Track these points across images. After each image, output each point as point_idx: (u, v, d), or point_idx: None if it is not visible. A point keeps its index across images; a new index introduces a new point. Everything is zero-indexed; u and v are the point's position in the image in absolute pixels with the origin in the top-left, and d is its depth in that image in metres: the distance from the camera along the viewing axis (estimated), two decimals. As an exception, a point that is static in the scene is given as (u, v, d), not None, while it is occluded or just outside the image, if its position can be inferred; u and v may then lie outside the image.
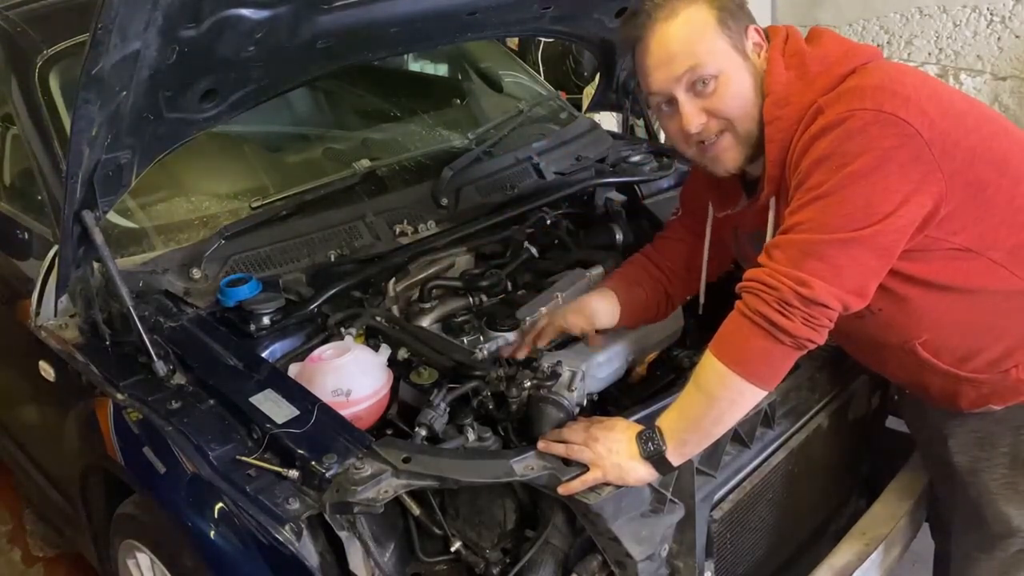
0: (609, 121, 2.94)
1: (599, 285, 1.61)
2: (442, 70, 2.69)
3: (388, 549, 1.29)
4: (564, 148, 2.22)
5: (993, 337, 1.26)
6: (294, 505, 1.20)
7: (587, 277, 1.79)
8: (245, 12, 1.30)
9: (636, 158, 2.24)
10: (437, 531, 1.28)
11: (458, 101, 2.49)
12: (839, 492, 1.77)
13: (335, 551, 1.24)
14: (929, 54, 3.46)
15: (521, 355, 1.50)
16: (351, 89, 2.39)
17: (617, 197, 2.11)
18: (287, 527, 1.19)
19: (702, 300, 1.55)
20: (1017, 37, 3.22)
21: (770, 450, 1.45)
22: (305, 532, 1.21)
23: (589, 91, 4.52)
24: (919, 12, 3.46)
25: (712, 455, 1.33)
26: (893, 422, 1.83)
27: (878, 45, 3.62)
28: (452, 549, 1.28)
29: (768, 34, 1.29)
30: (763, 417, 1.41)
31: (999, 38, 3.26)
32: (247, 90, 1.52)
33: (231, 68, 1.41)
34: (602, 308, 1.53)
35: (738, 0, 1.26)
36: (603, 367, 1.52)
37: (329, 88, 2.33)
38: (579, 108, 4.81)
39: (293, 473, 1.22)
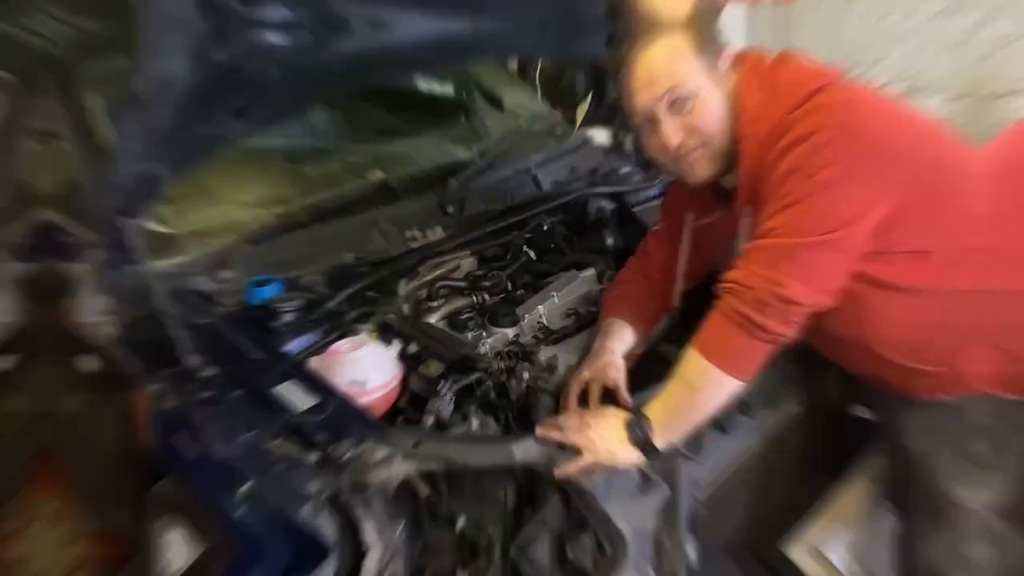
0: (600, 136, 2.93)
1: (611, 312, 1.56)
2: (449, 89, 2.69)
3: (399, 526, 1.29)
4: (560, 161, 2.22)
5: (942, 333, 1.27)
6: (314, 486, 1.20)
7: (580, 278, 1.79)
8: (270, 37, 1.30)
9: (625, 170, 2.25)
10: (444, 510, 1.29)
11: (463, 118, 2.49)
12: (811, 476, 1.77)
13: (350, 528, 1.24)
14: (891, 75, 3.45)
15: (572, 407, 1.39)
16: (365, 106, 2.39)
17: (608, 205, 2.12)
18: (307, 506, 1.20)
19: (675, 301, 1.56)
20: (977, 60, 3.21)
21: (748, 437, 1.46)
22: (324, 511, 1.21)
23: (583, 107, 4.52)
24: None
25: (695, 441, 1.33)
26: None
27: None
28: (457, 528, 1.28)
29: (740, 58, 1.30)
30: (740, 405, 1.41)
31: (959, 60, 3.25)
32: (273, 108, 1.52)
33: (258, 88, 1.41)
34: (626, 347, 1.51)
35: (711, 30, 1.27)
36: (596, 361, 1.52)
37: (345, 105, 2.32)
38: (574, 122, 4.80)
39: (313, 457, 1.23)
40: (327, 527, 1.21)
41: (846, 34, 3.60)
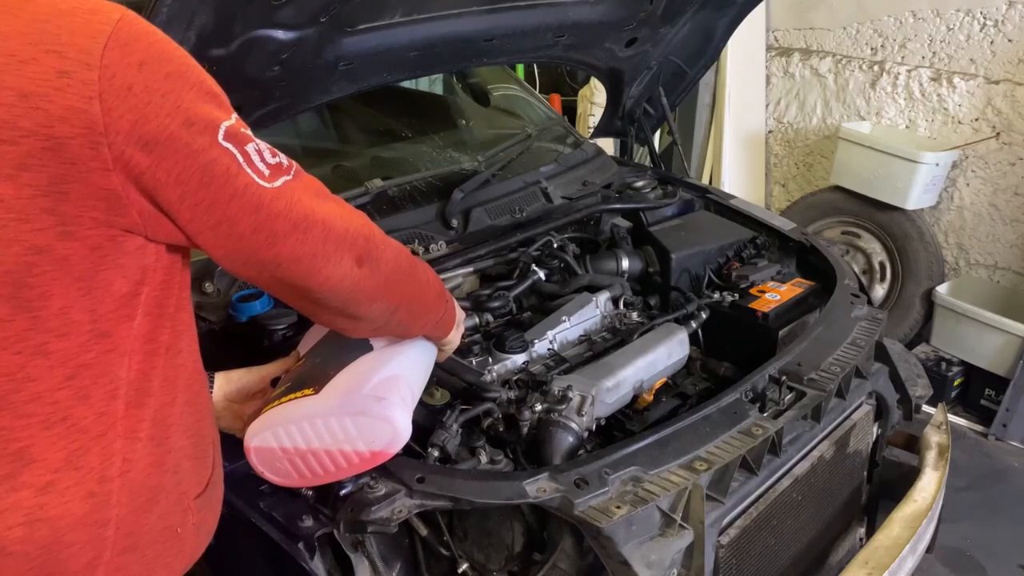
0: (607, 144, 2.95)
1: None
2: (452, 90, 2.72)
3: (395, 569, 1.29)
4: (571, 173, 2.24)
5: None
6: (307, 523, 1.21)
7: (593, 301, 1.81)
8: (274, 33, 1.32)
9: (640, 183, 2.28)
10: (444, 552, 1.29)
11: (465, 122, 2.51)
12: (840, 521, 1.79)
13: (341, 569, 1.24)
14: (923, 57, 3.47)
15: None
16: (361, 107, 2.40)
17: (623, 223, 2.14)
18: (300, 544, 1.20)
19: None
20: (1010, 41, 3.22)
21: (775, 477, 1.47)
22: (316, 550, 1.21)
23: (584, 93, 4.57)
24: (912, 16, 3.47)
25: (720, 481, 1.35)
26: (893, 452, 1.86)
27: (871, 49, 3.63)
28: (459, 571, 1.28)
29: None
30: (770, 445, 1.43)
31: (992, 42, 3.27)
32: (269, 108, 1.54)
33: (256, 87, 1.43)
34: None
35: None
36: (611, 393, 1.53)
37: (339, 105, 2.33)
38: (574, 109, 4.83)
39: (307, 490, 1.23)
40: (318, 567, 1.20)
41: (870, 12, 3.59)
